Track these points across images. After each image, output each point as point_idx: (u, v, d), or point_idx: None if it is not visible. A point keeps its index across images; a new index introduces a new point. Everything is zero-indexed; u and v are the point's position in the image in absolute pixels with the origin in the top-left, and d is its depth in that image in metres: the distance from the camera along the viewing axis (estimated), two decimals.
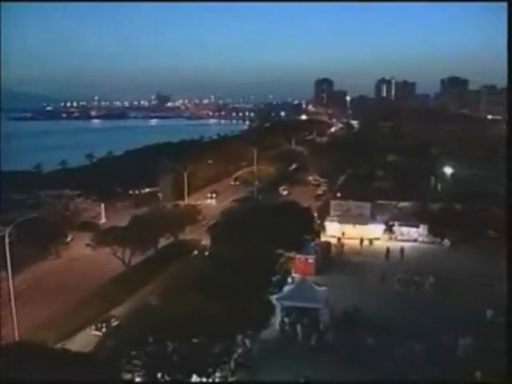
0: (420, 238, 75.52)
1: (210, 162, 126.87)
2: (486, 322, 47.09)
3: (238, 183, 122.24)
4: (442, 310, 49.64)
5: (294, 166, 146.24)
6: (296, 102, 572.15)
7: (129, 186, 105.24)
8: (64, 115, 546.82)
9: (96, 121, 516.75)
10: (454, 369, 38.57)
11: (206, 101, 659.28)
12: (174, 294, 40.36)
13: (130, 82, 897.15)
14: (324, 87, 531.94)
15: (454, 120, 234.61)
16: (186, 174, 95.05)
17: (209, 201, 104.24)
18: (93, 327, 47.95)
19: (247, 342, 41.93)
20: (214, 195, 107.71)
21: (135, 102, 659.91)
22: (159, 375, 33.30)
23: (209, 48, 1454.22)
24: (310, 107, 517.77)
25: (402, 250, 67.40)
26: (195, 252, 65.98)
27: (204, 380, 35.09)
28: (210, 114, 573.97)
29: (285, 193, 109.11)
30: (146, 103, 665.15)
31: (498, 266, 61.19)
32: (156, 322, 34.33)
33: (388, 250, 67.05)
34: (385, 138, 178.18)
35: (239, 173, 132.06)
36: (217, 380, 35.95)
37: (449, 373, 37.96)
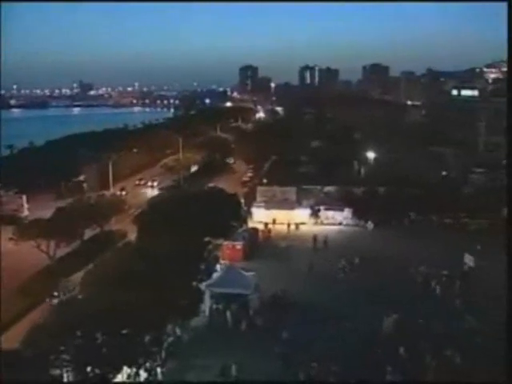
0: (345, 222, 77.41)
1: (134, 150, 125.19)
2: (410, 300, 48.90)
3: (142, 182, 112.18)
4: (367, 290, 51.21)
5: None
6: (221, 89, 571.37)
7: (52, 177, 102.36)
8: None
9: (16, 110, 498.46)
10: (380, 346, 39.94)
11: (129, 88, 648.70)
12: (101, 286, 39.85)
13: (50, 70, 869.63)
14: (249, 74, 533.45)
15: (376, 105, 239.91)
16: (110, 164, 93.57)
17: (134, 190, 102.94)
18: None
19: (177, 330, 42.05)
20: (142, 182, 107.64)
21: (57, 91, 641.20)
22: (89, 369, 32.86)
23: (131, 34, 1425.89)
24: (235, 94, 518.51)
25: (326, 239, 67.52)
26: (122, 242, 65.17)
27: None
28: (135, 101, 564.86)
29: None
30: (68, 91, 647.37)
31: (419, 246, 64.27)
32: (83, 315, 33.84)
33: (315, 238, 67.29)
34: (309, 124, 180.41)
35: (165, 161, 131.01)
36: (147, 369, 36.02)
37: (376, 350, 39.28)
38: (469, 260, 57.61)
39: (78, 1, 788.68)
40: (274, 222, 75.66)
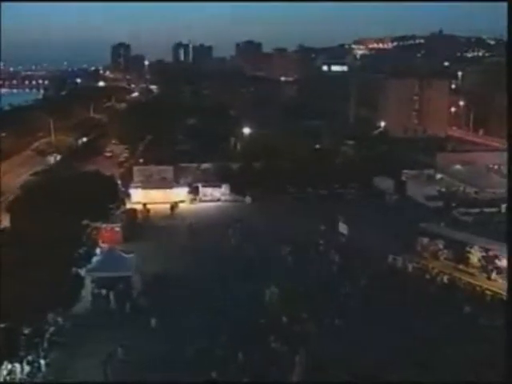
0: (223, 198, 78.35)
1: (3, 134, 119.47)
2: (288, 270, 50.66)
3: None
4: (246, 261, 52.28)
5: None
6: (93, 68, 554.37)
7: None
8: None
9: None
10: (263, 316, 41.17)
11: None
12: None
13: None
14: (121, 52, 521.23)
15: (250, 82, 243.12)
16: None
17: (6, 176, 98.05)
18: None
19: (59, 319, 41.04)
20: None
21: None
22: None
23: None
24: (108, 73, 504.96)
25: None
26: None
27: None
28: (0, 83, 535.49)
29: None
30: None
31: (295, 217, 66.44)
32: None
33: (191, 225, 64.35)
34: (184, 102, 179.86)
35: (36, 144, 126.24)
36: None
37: (258, 318, 40.64)
38: (343, 228, 60.37)
39: None
40: (152, 201, 74.79)
